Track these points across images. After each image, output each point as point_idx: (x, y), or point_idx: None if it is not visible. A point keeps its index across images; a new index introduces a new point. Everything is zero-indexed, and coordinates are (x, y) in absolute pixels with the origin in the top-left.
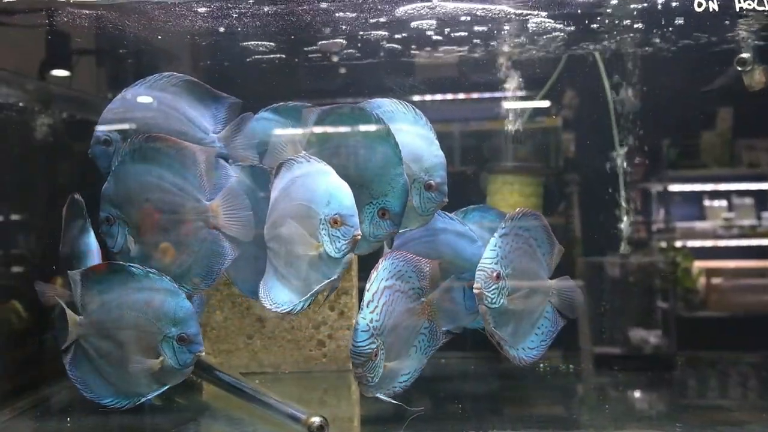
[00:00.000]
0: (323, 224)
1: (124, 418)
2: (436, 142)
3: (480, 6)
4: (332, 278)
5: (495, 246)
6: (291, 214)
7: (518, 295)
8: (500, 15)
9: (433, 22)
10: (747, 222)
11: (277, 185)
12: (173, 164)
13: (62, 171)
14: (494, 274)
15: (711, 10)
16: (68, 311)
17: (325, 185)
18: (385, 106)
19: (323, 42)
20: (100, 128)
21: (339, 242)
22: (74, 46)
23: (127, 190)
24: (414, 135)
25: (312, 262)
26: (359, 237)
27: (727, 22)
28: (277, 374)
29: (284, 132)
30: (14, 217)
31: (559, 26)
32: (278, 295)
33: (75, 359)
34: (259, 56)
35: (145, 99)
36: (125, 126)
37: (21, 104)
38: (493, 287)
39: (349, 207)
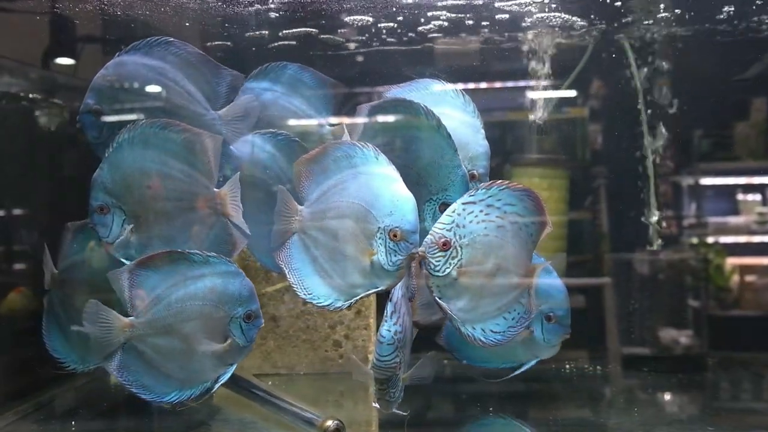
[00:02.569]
0: (381, 233)
1: (132, 421)
2: (482, 130)
3: None
4: (379, 288)
5: (453, 212)
6: (346, 212)
7: (474, 270)
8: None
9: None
10: None
11: (330, 169)
12: (181, 151)
13: (67, 162)
14: (441, 241)
15: None
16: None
17: (391, 194)
18: (433, 87)
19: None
20: (91, 95)
21: (395, 256)
22: (79, 33)
23: (126, 177)
24: (460, 122)
25: (360, 267)
26: (416, 255)
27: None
28: (292, 376)
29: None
30: (17, 210)
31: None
32: (315, 287)
33: (125, 363)
34: None
35: (142, 68)
36: (119, 96)
37: (24, 94)
38: (438, 254)
39: (412, 223)
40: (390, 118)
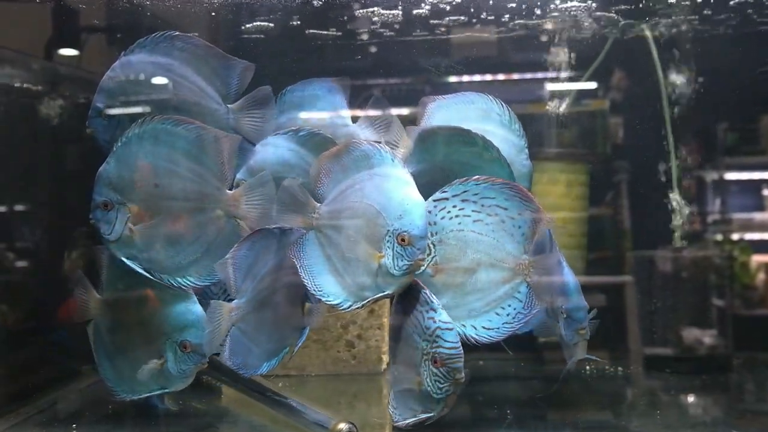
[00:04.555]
0: (389, 237)
1: (136, 423)
2: (526, 150)
3: None
4: (386, 293)
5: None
6: (358, 212)
7: (451, 266)
8: None
9: None
10: None
11: (349, 168)
12: (192, 149)
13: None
14: None
15: None
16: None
17: (402, 197)
18: (479, 102)
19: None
20: (100, 98)
21: (401, 261)
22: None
23: (133, 173)
24: (504, 140)
25: (368, 269)
26: (422, 262)
27: None
28: (303, 377)
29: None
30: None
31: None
32: (325, 285)
33: (233, 348)
34: None
35: (149, 66)
36: (128, 96)
37: (26, 86)
38: None
39: (420, 228)
40: (445, 146)
